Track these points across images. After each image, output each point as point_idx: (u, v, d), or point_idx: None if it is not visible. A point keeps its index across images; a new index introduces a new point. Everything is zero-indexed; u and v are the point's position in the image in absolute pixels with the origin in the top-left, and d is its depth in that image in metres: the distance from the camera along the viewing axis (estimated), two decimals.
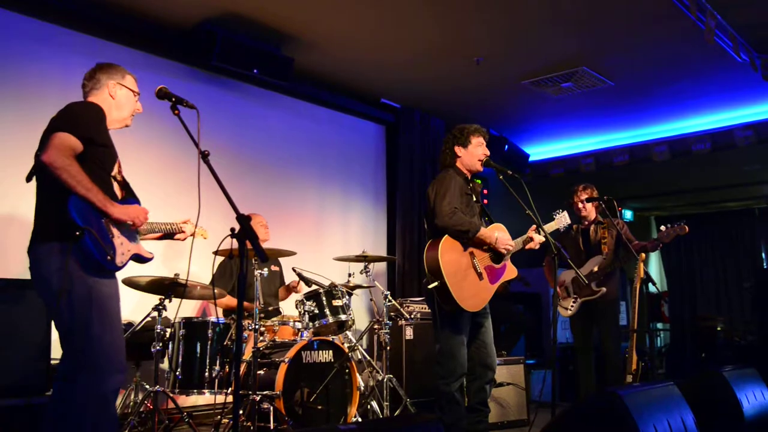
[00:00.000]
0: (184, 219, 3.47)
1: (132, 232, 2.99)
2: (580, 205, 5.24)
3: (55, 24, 4.98)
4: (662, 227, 4.96)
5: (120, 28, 5.28)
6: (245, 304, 4.46)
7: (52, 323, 3.87)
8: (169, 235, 3.40)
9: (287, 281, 5.51)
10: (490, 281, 3.92)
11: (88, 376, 2.67)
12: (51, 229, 2.73)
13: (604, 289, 5.01)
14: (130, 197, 3.06)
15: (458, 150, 4.05)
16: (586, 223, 5.28)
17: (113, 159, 2.96)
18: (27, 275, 4.24)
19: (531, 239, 4.05)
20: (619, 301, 5.34)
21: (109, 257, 2.75)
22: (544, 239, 4.01)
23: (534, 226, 4.04)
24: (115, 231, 2.84)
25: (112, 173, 2.96)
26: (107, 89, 3.05)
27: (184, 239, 3.43)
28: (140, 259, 3.05)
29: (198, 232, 3.49)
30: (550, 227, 4.23)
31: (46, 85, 4.87)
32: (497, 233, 3.91)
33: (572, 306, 5.10)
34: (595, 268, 5.03)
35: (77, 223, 2.66)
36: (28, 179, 2.89)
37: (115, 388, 2.75)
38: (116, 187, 2.99)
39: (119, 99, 3.07)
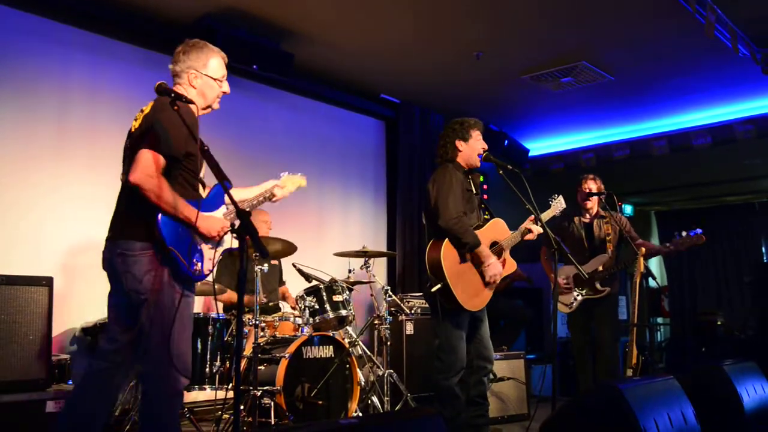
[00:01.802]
0: (274, 182, 3.39)
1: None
2: (587, 201, 5.17)
3: (55, 20, 4.97)
4: (683, 233, 4.90)
5: (119, 24, 5.27)
6: (246, 297, 4.46)
7: (53, 319, 3.91)
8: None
9: (286, 277, 5.51)
10: None
11: (162, 368, 2.76)
12: (142, 229, 2.74)
13: (608, 288, 5.01)
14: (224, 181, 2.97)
15: (459, 144, 4.03)
16: (588, 217, 5.23)
17: (199, 162, 2.92)
18: (28, 270, 4.28)
19: (529, 231, 4.05)
20: (619, 296, 5.32)
21: (196, 268, 2.82)
22: (541, 230, 4.00)
23: (531, 217, 4.03)
24: (202, 240, 2.87)
25: (200, 176, 2.95)
26: (187, 79, 2.98)
27: (278, 200, 3.39)
28: (232, 250, 3.05)
29: (296, 183, 3.48)
30: (547, 214, 4.23)
31: (45, 82, 4.87)
32: (492, 259, 3.84)
33: (574, 302, 5.09)
34: (600, 268, 5.01)
35: (165, 242, 2.70)
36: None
37: (182, 387, 2.85)
38: (201, 188, 2.96)
39: (200, 89, 2.99)
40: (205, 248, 2.89)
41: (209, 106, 3.05)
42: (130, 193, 2.78)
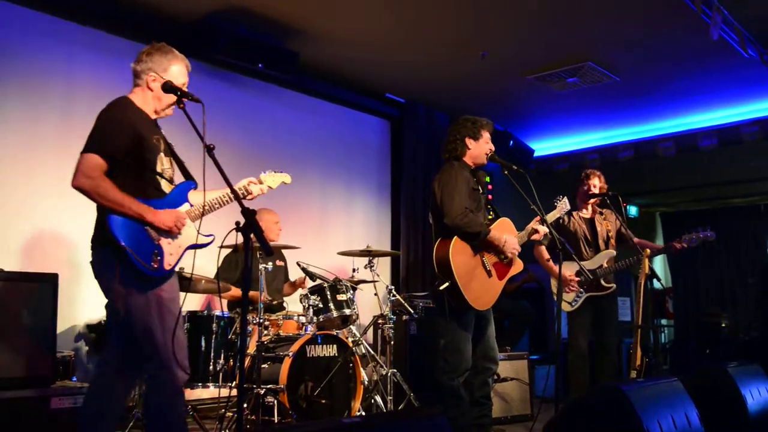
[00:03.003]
0: (249, 179, 3.35)
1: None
2: (590, 199, 5.14)
3: (60, 17, 4.98)
4: (694, 234, 4.90)
5: (125, 22, 5.28)
6: (250, 293, 4.46)
7: (57, 316, 3.92)
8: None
9: (292, 278, 5.51)
10: (498, 277, 3.92)
11: (157, 365, 2.82)
12: (103, 235, 2.80)
13: (614, 285, 4.98)
14: (186, 180, 3.06)
15: (469, 142, 4.02)
16: (589, 213, 5.19)
17: (153, 157, 2.93)
18: (33, 267, 4.29)
19: (536, 231, 4.05)
20: (619, 297, 5.28)
21: (155, 265, 2.80)
22: (548, 230, 4.01)
23: (537, 218, 4.03)
24: (161, 234, 2.85)
25: (157, 171, 2.94)
26: (146, 80, 3.01)
27: (254, 197, 3.34)
28: (196, 246, 3.03)
29: (279, 180, 3.45)
30: (552, 216, 4.24)
31: (50, 79, 4.88)
32: (506, 236, 3.89)
33: (577, 300, 5.04)
34: (605, 264, 4.98)
35: (118, 241, 2.72)
36: None
37: (182, 382, 2.89)
38: (164, 182, 2.98)
39: (157, 92, 3.01)
40: (165, 244, 2.86)
41: (164, 111, 3.08)
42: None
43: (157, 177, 2.95)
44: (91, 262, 2.90)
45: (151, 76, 2.98)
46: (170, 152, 3.09)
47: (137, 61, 3.04)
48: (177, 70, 3.04)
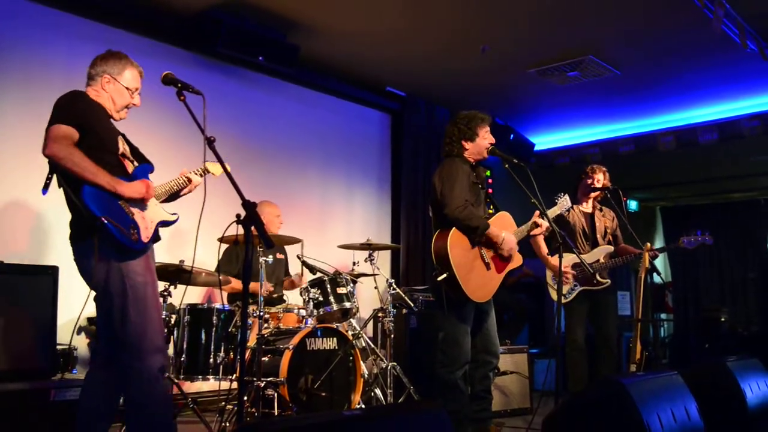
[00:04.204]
0: (182, 172, 3.32)
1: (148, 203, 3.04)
2: (592, 193, 5.13)
3: (60, 10, 4.96)
4: (692, 237, 4.92)
5: (125, 14, 5.27)
6: (251, 284, 4.47)
7: (58, 308, 3.93)
8: (177, 193, 3.30)
9: (292, 272, 5.51)
10: (497, 270, 3.92)
11: (131, 355, 2.86)
12: (82, 227, 2.86)
13: (608, 281, 4.99)
14: (143, 163, 3.13)
15: (465, 144, 4.02)
16: (589, 207, 5.19)
17: (114, 137, 3.01)
18: (33, 260, 4.30)
19: (537, 225, 4.05)
20: (618, 291, 5.29)
21: (134, 237, 2.85)
22: (549, 225, 4.01)
23: (537, 212, 4.03)
24: (133, 209, 2.92)
25: (119, 152, 3.00)
26: (100, 82, 3.09)
27: (193, 188, 3.32)
28: (166, 223, 3.11)
29: (205, 170, 3.39)
30: (553, 212, 4.24)
31: (51, 72, 4.86)
32: (504, 233, 3.89)
33: (571, 293, 5.03)
34: (602, 259, 4.98)
35: (95, 214, 2.75)
36: (44, 190, 2.98)
37: (158, 366, 2.90)
38: (127, 163, 3.03)
39: (111, 94, 3.09)
40: (139, 218, 2.93)
41: (118, 113, 3.13)
42: (62, 186, 2.90)
43: (120, 158, 3.00)
44: (75, 260, 2.96)
45: (106, 78, 3.07)
46: (127, 142, 3.16)
47: (92, 65, 3.13)
48: (130, 75, 3.13)
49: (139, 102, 3.19)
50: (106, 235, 2.77)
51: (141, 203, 2.96)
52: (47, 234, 4.77)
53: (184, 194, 3.33)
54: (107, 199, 2.81)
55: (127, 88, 3.11)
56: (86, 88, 3.10)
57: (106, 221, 2.74)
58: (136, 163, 3.10)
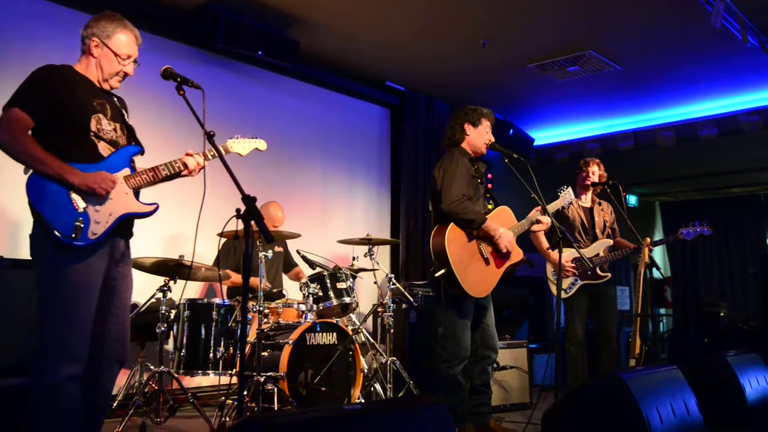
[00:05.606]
0: (186, 153, 3.04)
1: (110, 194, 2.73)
2: (589, 183, 5.13)
3: (59, 3, 4.95)
4: (691, 228, 4.93)
5: (124, 8, 5.20)
6: (251, 279, 4.47)
7: None
8: (173, 176, 3.00)
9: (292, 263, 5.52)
10: (495, 266, 3.92)
11: (41, 363, 2.60)
12: (33, 219, 2.66)
13: (609, 274, 4.99)
14: (131, 144, 2.91)
15: (468, 128, 4.02)
16: (588, 201, 5.18)
17: (85, 116, 2.74)
18: (22, 254, 4.28)
19: (538, 221, 4.04)
20: (617, 286, 5.29)
21: (74, 234, 2.58)
22: (550, 221, 4.01)
23: (538, 207, 4.03)
24: (86, 201, 2.65)
25: (92, 130, 2.74)
26: (88, 45, 2.84)
27: (197, 172, 3.02)
28: (140, 215, 2.83)
29: (248, 147, 3.26)
30: (555, 205, 4.24)
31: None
32: (502, 229, 3.88)
33: (570, 287, 5.03)
34: (601, 253, 4.98)
35: (32, 205, 2.60)
36: (26, 170, 2.74)
37: (69, 376, 2.59)
38: (102, 145, 2.77)
39: (98, 59, 2.83)
40: (92, 211, 2.65)
41: (107, 81, 2.87)
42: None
43: (93, 139, 2.74)
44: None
45: (94, 41, 2.82)
46: (120, 119, 2.90)
47: (85, 27, 2.87)
48: (123, 38, 2.84)
49: (131, 71, 2.91)
50: (44, 228, 2.57)
51: (98, 195, 2.66)
52: None
53: (186, 176, 3.03)
54: (54, 189, 2.59)
55: (116, 54, 2.83)
56: (80, 57, 2.88)
57: (43, 213, 2.55)
58: (122, 144, 2.85)
